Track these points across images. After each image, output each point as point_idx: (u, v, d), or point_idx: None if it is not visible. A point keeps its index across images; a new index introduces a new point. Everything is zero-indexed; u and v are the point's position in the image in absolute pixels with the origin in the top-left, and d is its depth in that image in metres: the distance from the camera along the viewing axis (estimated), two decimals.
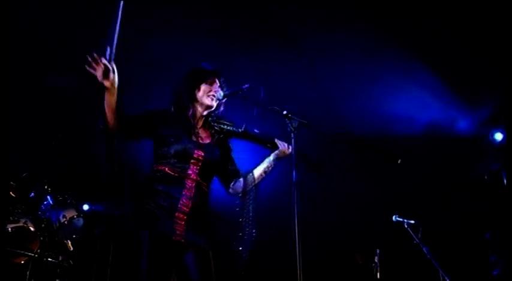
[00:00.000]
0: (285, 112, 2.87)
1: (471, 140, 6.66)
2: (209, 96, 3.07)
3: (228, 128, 3.09)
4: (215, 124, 3.09)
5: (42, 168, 5.91)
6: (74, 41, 5.48)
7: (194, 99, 3.08)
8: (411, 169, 5.91)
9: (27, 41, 5.47)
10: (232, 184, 3.19)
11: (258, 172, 3.15)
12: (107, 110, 2.72)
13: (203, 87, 3.09)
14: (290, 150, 3.02)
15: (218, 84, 3.13)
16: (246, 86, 3.00)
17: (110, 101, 2.71)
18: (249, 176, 3.14)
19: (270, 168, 3.16)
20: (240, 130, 3.08)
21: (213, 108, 3.12)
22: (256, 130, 3.12)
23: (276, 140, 3.14)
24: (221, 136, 3.09)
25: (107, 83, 2.65)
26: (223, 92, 3.09)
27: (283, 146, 3.12)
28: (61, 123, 6.42)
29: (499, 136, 6.72)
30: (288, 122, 2.87)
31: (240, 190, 3.14)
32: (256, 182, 3.13)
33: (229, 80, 3.19)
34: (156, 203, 2.80)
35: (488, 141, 6.77)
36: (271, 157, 3.15)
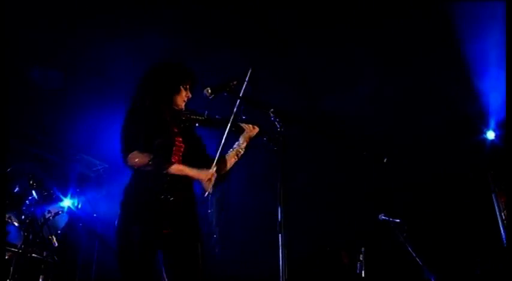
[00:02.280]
0: (272, 109, 2.84)
1: (460, 139, 6.71)
2: (184, 101, 3.16)
3: (192, 116, 3.09)
4: (180, 116, 3.10)
5: (27, 162, 5.85)
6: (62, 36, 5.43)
7: (171, 98, 3.12)
8: (397, 168, 5.95)
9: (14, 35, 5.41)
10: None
11: (230, 158, 3.16)
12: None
13: (182, 90, 3.15)
14: (256, 129, 3.13)
15: (189, 86, 3.19)
16: (234, 82, 2.99)
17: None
18: (221, 163, 3.12)
19: (241, 152, 3.18)
20: (202, 117, 3.08)
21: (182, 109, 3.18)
22: (217, 116, 3.10)
23: (240, 124, 3.15)
24: (187, 125, 3.09)
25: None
26: (210, 88, 3.06)
27: (247, 128, 3.15)
28: (45, 117, 6.37)
29: (491, 135, 6.76)
30: (275, 119, 2.84)
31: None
32: (228, 167, 3.15)
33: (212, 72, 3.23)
34: (145, 196, 2.80)
35: (478, 139, 6.81)
36: (240, 141, 3.18)
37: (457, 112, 6.44)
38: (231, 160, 3.17)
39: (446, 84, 6.17)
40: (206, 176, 2.88)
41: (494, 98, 6.20)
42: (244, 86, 2.98)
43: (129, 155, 2.85)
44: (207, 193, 2.91)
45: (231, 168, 3.18)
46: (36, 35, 5.43)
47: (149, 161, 2.81)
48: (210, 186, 2.90)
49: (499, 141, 6.73)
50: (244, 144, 3.17)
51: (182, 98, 3.14)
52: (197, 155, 3.08)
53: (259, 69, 5.87)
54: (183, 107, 3.16)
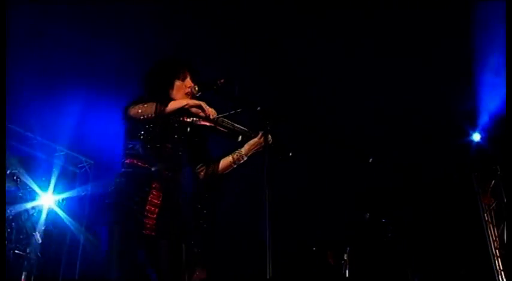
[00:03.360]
0: (259, 108, 2.81)
1: (445, 141, 6.76)
2: (186, 93, 2.96)
3: (193, 118, 2.96)
4: (179, 117, 2.96)
5: (11, 158, 5.80)
6: None
7: (168, 97, 2.94)
8: (383, 168, 5.99)
9: None
10: (198, 168, 3.06)
11: (224, 162, 3.02)
12: (172, 109, 2.77)
13: (177, 84, 3.00)
14: (269, 140, 2.84)
15: (190, 77, 3.04)
16: (221, 80, 2.95)
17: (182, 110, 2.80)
18: (213, 166, 3.01)
19: (242, 161, 2.99)
20: (200, 119, 2.87)
21: None
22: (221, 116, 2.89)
23: (246, 132, 2.95)
24: (186, 127, 2.97)
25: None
26: (197, 86, 3.02)
27: (261, 137, 2.88)
28: (31, 112, 6.31)
29: (476, 137, 6.82)
30: (262, 118, 2.82)
31: (201, 176, 3.04)
32: (220, 172, 3.01)
33: (200, 71, 3.12)
34: (127, 197, 2.77)
35: (464, 141, 6.87)
36: (246, 147, 2.97)
37: (443, 114, 6.48)
38: (227, 165, 3.01)
39: (434, 86, 6.20)
40: (203, 103, 2.80)
41: (481, 100, 6.25)
42: (230, 84, 2.94)
43: (129, 109, 2.79)
44: (214, 117, 2.80)
45: (225, 174, 3.01)
46: (26, 31, 5.38)
47: (145, 106, 2.74)
48: (213, 112, 2.81)
49: (484, 143, 6.79)
50: (249, 153, 2.98)
51: (183, 91, 2.97)
52: (182, 159, 3.00)
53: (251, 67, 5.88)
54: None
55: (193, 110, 2.84)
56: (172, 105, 2.78)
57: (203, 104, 2.81)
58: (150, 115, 2.75)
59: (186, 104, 2.81)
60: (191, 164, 3.06)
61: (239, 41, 5.70)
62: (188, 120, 2.91)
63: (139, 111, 2.77)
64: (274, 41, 5.70)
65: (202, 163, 3.07)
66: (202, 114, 2.82)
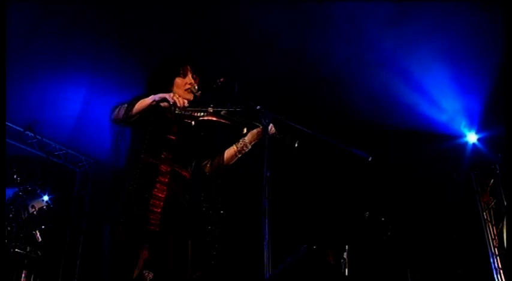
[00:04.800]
0: (258, 107, 2.82)
1: (443, 139, 6.77)
2: (186, 89, 2.99)
3: (199, 113, 2.88)
4: (183, 112, 2.94)
5: (11, 157, 5.80)
6: None
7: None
8: (382, 166, 6.00)
9: None
10: (203, 163, 3.10)
11: (229, 152, 3.05)
12: (140, 109, 2.74)
13: (177, 81, 3.01)
14: (272, 130, 2.87)
15: (191, 73, 3.06)
16: (221, 79, 2.96)
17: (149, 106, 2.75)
18: (218, 158, 3.04)
19: (246, 150, 3.02)
20: (204, 114, 2.85)
21: (191, 100, 2.99)
22: (223, 110, 2.86)
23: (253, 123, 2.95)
24: (191, 122, 2.95)
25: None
26: (197, 84, 3.02)
27: (268, 127, 2.82)
28: (29, 110, 6.31)
29: (475, 136, 6.85)
30: (261, 117, 2.83)
31: (207, 170, 3.08)
32: (226, 163, 3.04)
33: (202, 66, 3.11)
34: (131, 193, 2.75)
35: (461, 141, 6.89)
36: (248, 136, 3.01)
37: (442, 113, 6.50)
38: (232, 156, 3.04)
39: (434, 84, 6.21)
40: (168, 95, 2.74)
41: (477, 101, 6.27)
42: (230, 84, 2.93)
43: (111, 112, 2.82)
44: (179, 109, 2.75)
45: (230, 165, 3.05)
46: (26, 28, 5.37)
47: (119, 108, 2.76)
48: (182, 101, 2.75)
49: (483, 142, 6.82)
50: (253, 142, 3.01)
51: (182, 88, 2.99)
52: (188, 154, 3.00)
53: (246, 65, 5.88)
54: (186, 96, 2.96)
55: (163, 104, 2.79)
56: (139, 105, 2.76)
57: (168, 96, 2.74)
58: (121, 117, 2.77)
59: (153, 101, 2.76)
60: (197, 159, 3.07)
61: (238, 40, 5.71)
62: (195, 114, 2.89)
63: (115, 113, 2.81)
64: (272, 40, 5.71)
65: (207, 157, 3.09)
66: (168, 106, 2.77)
